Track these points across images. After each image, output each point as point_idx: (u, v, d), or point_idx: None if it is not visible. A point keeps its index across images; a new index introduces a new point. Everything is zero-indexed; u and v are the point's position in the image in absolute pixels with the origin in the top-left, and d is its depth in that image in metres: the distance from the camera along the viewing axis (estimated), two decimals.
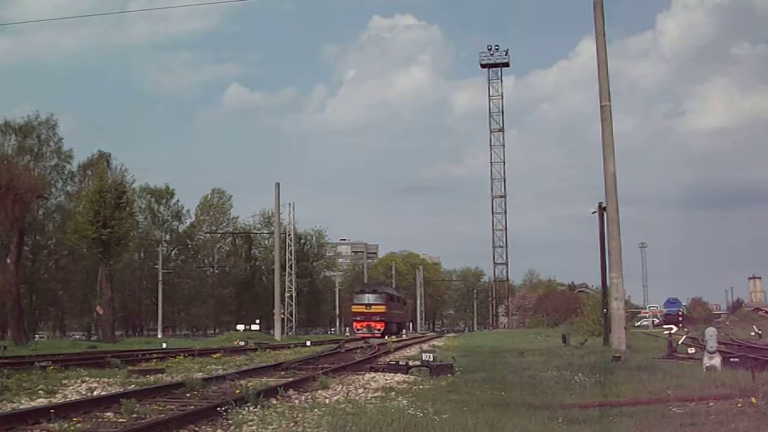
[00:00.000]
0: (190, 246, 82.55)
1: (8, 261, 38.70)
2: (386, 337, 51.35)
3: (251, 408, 9.32)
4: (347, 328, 79.78)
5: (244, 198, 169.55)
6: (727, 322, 63.98)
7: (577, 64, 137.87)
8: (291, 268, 64.03)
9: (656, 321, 71.07)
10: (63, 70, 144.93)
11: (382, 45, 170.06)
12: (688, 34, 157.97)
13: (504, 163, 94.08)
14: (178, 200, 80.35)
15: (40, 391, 11.59)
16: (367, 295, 60.22)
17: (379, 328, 57.58)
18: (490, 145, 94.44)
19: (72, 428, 7.97)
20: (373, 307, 59.02)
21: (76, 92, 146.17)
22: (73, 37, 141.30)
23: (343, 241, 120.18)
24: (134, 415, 9.01)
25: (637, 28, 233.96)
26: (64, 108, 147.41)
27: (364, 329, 57.06)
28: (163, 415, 8.79)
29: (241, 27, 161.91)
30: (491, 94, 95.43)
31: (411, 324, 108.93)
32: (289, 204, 64.47)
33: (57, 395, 11.34)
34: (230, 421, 8.58)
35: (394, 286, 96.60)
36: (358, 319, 59.41)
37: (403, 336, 58.80)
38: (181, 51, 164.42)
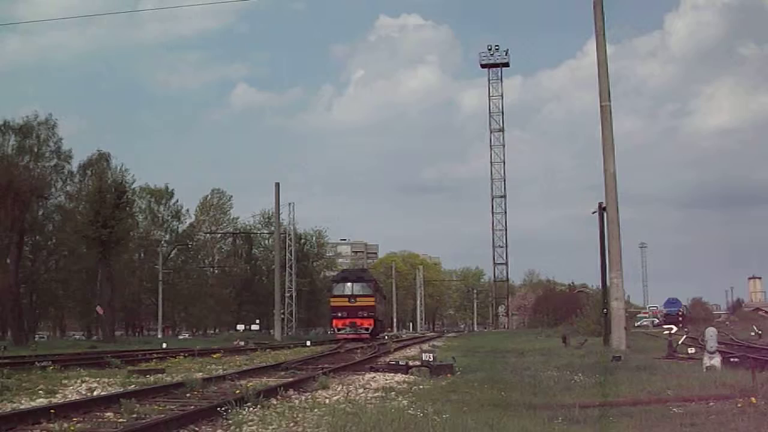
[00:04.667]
0: (190, 246, 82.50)
1: (8, 261, 38.76)
2: (386, 337, 47.46)
3: (251, 408, 9.31)
4: None
5: (245, 198, 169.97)
6: (727, 322, 63.98)
7: (584, 63, 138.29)
8: (291, 268, 64.02)
9: (656, 321, 71.19)
10: (72, 70, 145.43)
11: (391, 45, 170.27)
12: (696, 34, 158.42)
13: (504, 163, 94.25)
14: (177, 200, 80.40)
15: (40, 391, 11.59)
16: (350, 284, 47.86)
17: (366, 326, 45.65)
18: (490, 145, 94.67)
19: (72, 428, 7.96)
20: (358, 299, 46.50)
21: (85, 92, 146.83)
22: (82, 37, 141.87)
23: (343, 241, 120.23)
24: (134, 415, 9.01)
25: (645, 28, 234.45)
26: (72, 108, 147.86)
27: (347, 328, 45.22)
28: (163, 415, 8.80)
29: (250, 27, 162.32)
30: (491, 95, 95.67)
31: (410, 324, 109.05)
32: (289, 204, 64.68)
33: (57, 395, 11.34)
34: (230, 421, 8.58)
35: (394, 285, 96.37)
36: (339, 315, 46.44)
37: (403, 336, 57.71)
38: (190, 51, 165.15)
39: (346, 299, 46.72)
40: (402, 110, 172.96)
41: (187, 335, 75.11)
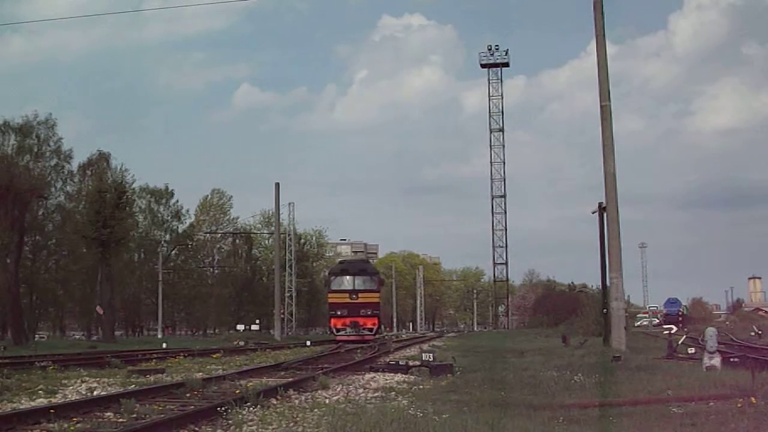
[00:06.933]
0: (190, 246, 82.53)
1: (8, 261, 38.74)
2: (386, 337, 46.04)
3: (251, 408, 9.32)
4: None
5: (246, 198, 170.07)
6: (727, 322, 64.00)
7: (587, 64, 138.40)
8: (291, 268, 64.02)
9: (656, 321, 71.24)
10: (75, 70, 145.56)
11: (394, 45, 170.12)
12: (700, 34, 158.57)
13: (504, 163, 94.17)
14: (177, 200, 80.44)
15: (40, 391, 11.59)
16: (351, 277, 41.90)
17: (370, 326, 40.26)
18: (490, 146, 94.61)
19: (72, 428, 7.96)
20: (361, 295, 40.57)
21: (88, 92, 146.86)
22: (85, 37, 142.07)
23: (343, 241, 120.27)
24: (134, 415, 9.01)
25: (649, 29, 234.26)
26: (75, 108, 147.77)
27: (348, 329, 39.71)
28: (163, 415, 8.80)
29: (253, 27, 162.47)
30: (492, 95, 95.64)
31: (410, 324, 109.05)
32: (289, 204, 64.66)
33: (57, 395, 11.34)
34: (230, 421, 8.58)
35: (394, 285, 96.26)
36: (339, 314, 40.58)
37: (403, 336, 57.64)
38: (193, 51, 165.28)
39: (347, 295, 40.85)
40: (405, 110, 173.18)
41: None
